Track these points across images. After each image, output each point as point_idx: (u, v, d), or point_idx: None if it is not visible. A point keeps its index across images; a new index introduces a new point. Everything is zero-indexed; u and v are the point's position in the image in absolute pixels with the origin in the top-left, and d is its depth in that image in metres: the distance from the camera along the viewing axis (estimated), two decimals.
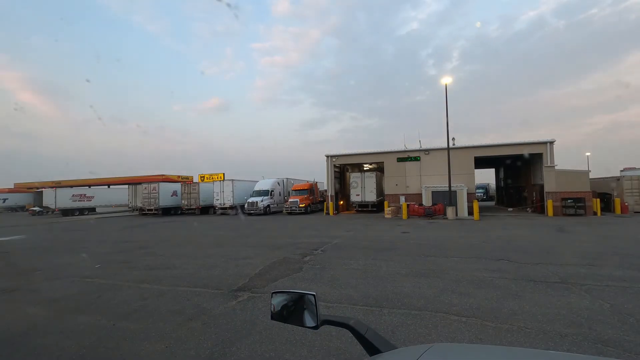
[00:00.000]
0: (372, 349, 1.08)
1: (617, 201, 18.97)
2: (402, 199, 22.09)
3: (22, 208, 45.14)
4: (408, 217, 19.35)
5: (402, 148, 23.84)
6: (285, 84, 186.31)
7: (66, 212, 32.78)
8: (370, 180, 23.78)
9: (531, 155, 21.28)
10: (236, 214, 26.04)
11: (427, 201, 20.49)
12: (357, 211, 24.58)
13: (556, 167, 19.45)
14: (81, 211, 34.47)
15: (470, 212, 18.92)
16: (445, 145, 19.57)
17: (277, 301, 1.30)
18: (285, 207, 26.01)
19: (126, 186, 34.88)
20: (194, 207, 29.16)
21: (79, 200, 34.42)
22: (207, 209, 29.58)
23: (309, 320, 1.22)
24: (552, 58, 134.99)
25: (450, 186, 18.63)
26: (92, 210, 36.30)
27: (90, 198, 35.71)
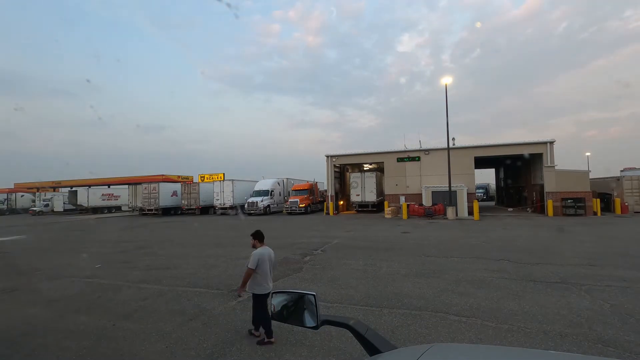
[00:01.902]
0: (372, 349, 1.08)
1: (617, 201, 18.97)
2: (402, 199, 22.08)
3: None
4: (408, 217, 19.34)
5: (402, 148, 23.85)
6: (258, 79, 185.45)
7: (96, 210, 35.16)
8: (370, 180, 23.77)
9: (531, 155, 21.27)
10: (236, 214, 26.03)
11: (427, 201, 20.48)
12: (357, 211, 24.56)
13: (556, 167, 19.45)
14: (109, 209, 37.15)
15: (471, 212, 18.92)
16: (445, 145, 19.58)
17: (277, 301, 1.30)
18: (285, 207, 25.98)
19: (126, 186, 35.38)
20: (194, 207, 29.14)
21: (107, 200, 37.30)
22: (207, 209, 29.57)
23: (309, 320, 1.22)
24: (546, 53, 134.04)
25: (450, 186, 18.62)
26: (118, 208, 38.63)
27: (117, 197, 38.43)
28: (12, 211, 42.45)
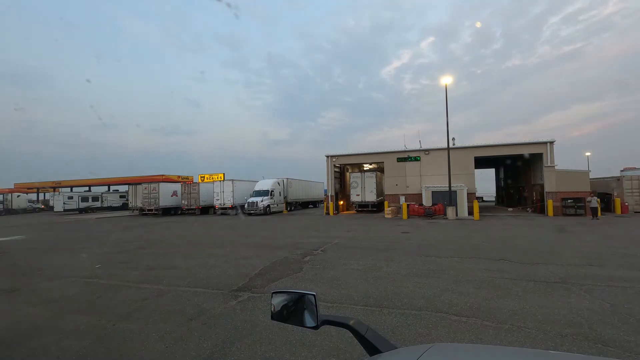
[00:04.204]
0: (372, 349, 1.08)
1: (617, 201, 18.97)
2: (402, 199, 22.10)
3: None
4: (408, 217, 19.35)
5: (402, 148, 23.86)
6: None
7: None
8: (370, 180, 23.78)
9: (531, 155, 21.29)
10: (236, 214, 26.05)
11: (427, 201, 20.49)
12: (357, 211, 24.59)
13: (556, 167, 19.45)
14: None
15: (471, 212, 18.93)
16: (445, 145, 19.58)
17: (277, 301, 1.30)
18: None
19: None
20: (194, 207, 29.17)
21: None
22: (207, 209, 29.59)
23: (309, 320, 1.22)
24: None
25: (450, 186, 18.63)
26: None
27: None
28: (9, 211, 42.40)
